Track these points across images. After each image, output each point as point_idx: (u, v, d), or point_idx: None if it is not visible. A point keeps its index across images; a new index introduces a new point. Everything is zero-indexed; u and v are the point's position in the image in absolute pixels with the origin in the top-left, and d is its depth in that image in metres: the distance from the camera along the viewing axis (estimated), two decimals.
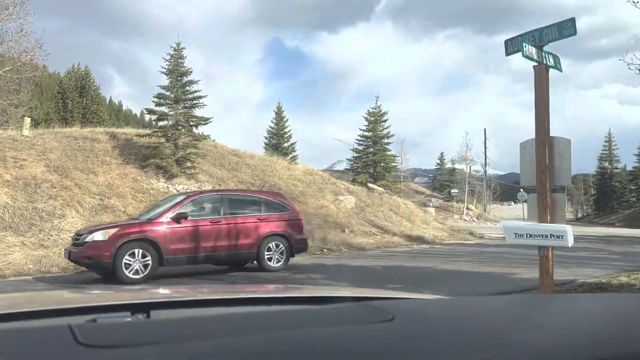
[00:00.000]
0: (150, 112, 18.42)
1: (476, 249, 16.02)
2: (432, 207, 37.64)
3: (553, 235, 4.52)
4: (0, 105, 13.81)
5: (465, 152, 43.84)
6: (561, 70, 5.20)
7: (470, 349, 0.81)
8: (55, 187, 15.03)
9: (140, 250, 9.43)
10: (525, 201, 41.86)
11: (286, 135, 33.38)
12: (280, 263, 10.68)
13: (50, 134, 18.74)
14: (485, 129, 47.85)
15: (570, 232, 4.51)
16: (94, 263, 9.55)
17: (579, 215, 60.82)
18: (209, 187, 18.00)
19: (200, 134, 19.08)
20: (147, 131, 19.87)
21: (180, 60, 18.69)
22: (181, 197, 10.79)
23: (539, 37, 4.94)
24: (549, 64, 5.00)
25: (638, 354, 0.79)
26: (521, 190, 42.26)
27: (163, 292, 2.09)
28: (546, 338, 0.88)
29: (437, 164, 51.40)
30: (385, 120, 31.80)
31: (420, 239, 18.97)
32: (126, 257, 9.36)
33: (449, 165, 49.73)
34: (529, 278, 9.35)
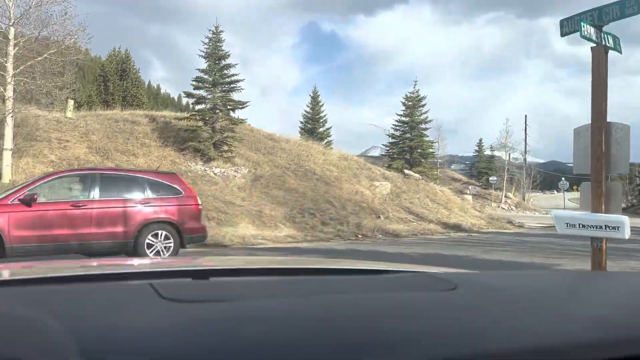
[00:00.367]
0: (189, 95, 18.60)
1: (516, 238, 15.63)
2: (469, 194, 36.96)
3: (608, 226, 4.27)
4: (45, 88, 14.10)
5: (505, 138, 42.72)
6: (621, 52, 4.90)
7: (533, 320, 0.82)
8: None
9: None
10: (566, 190, 40.68)
11: (322, 120, 33.21)
12: (166, 256, 8.88)
13: (92, 116, 19.18)
14: (526, 116, 46.55)
15: (627, 223, 4.26)
16: None
17: (623, 205, 58.68)
18: (244, 170, 18.13)
19: (237, 117, 19.15)
20: (186, 114, 20.10)
21: (218, 44, 18.75)
22: (40, 176, 9.38)
23: (599, 17, 4.66)
24: (608, 45, 4.71)
25: None
26: (562, 179, 41.01)
27: (220, 261, 2.20)
28: (604, 311, 0.89)
29: (476, 150, 50.23)
30: (423, 105, 31.22)
31: (457, 227, 18.65)
32: None
33: (487, 152, 48.58)
34: (572, 269, 9.06)
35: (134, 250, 8.75)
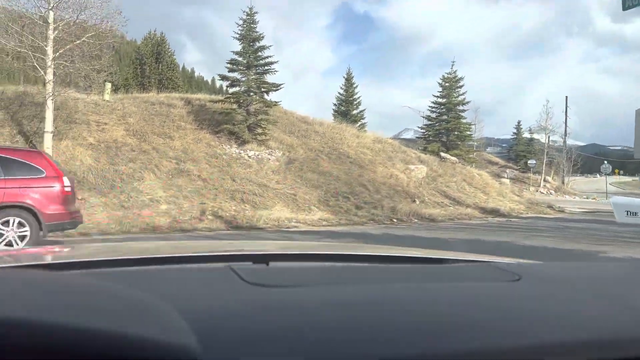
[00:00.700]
0: (223, 78, 18.57)
1: (557, 224, 15.13)
2: (507, 178, 36.08)
3: None
4: (84, 71, 14.29)
5: (545, 121, 41.36)
6: None
7: (599, 312, 0.81)
8: (134, 151, 15.58)
9: None
10: (608, 174, 39.23)
11: (355, 102, 32.74)
12: (20, 246, 7.56)
13: (129, 99, 19.40)
14: (566, 97, 44.95)
15: None
16: None
17: None
18: (278, 153, 18.07)
19: (270, 100, 19.06)
20: (220, 97, 20.11)
21: (252, 26, 18.60)
22: None
23: None
24: None
25: None
26: (605, 162, 39.57)
27: (278, 246, 2.31)
28: None
29: (514, 133, 48.78)
30: (460, 86, 30.32)
31: (495, 212, 18.20)
32: None
33: (526, 134, 47.17)
34: (621, 257, 8.66)
35: None
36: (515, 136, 49.39)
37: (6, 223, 7.63)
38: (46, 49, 13.60)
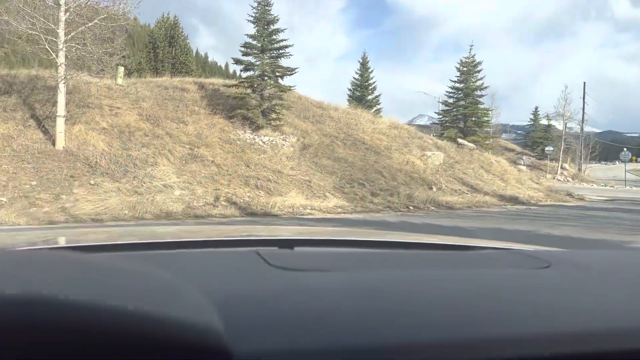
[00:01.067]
0: (237, 61, 18.26)
1: (578, 212, 14.72)
2: (523, 165, 35.51)
3: None
4: (96, 54, 14.06)
5: (563, 107, 40.52)
6: None
7: (632, 300, 0.81)
8: (147, 136, 15.40)
9: None
10: (629, 161, 38.52)
11: (370, 87, 32.19)
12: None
13: (142, 83, 19.20)
14: (584, 83, 44.01)
15: None
16: None
17: None
18: (293, 139, 17.79)
19: (285, 85, 18.72)
20: (234, 82, 19.83)
21: (267, 8, 18.22)
22: None
23: None
24: None
25: None
26: (624, 149, 38.81)
27: (302, 231, 2.32)
28: None
29: (531, 119, 48.00)
30: (478, 71, 29.59)
31: (514, 199, 17.80)
32: None
33: (543, 121, 46.33)
34: None
35: None
36: (532, 122, 48.59)
37: None
38: (58, 31, 13.39)
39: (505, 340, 0.64)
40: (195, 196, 13.19)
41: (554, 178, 36.67)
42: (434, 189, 17.11)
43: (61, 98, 13.68)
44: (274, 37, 18.21)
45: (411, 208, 14.80)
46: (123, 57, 17.87)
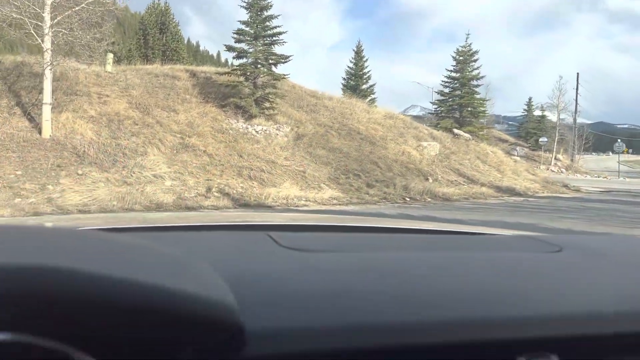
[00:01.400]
0: (230, 48, 17.80)
1: (577, 204, 14.50)
2: (517, 156, 35.32)
3: None
4: (83, 39, 13.58)
5: (557, 98, 40.38)
6: None
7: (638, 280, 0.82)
8: (137, 124, 14.97)
9: None
10: (622, 152, 38.48)
11: (365, 77, 31.76)
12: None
13: (132, 71, 18.70)
14: (578, 74, 43.91)
15: None
16: None
17: None
18: (287, 129, 17.42)
19: (278, 73, 18.28)
20: (226, 69, 19.39)
21: None
22: None
23: None
24: None
25: None
26: (618, 140, 38.76)
27: (310, 218, 2.34)
28: None
29: (525, 110, 47.85)
30: (475, 60, 29.19)
31: (510, 191, 17.57)
32: None
33: (537, 112, 46.19)
34: None
35: None
36: (526, 113, 48.45)
37: None
38: (43, 15, 12.89)
39: (517, 321, 0.64)
40: (187, 187, 12.82)
41: (548, 169, 36.58)
42: (430, 180, 16.84)
43: (47, 85, 13.21)
44: (268, 23, 17.76)
45: (407, 199, 14.52)
46: (112, 43, 17.39)
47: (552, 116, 44.74)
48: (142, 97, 16.51)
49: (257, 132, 16.66)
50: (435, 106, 30.38)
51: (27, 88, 14.91)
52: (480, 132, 27.04)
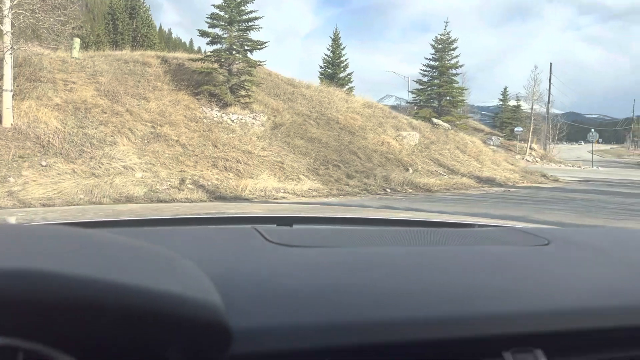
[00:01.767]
0: (203, 34, 17.07)
1: (559, 195, 14.35)
2: (493, 145, 35.38)
3: None
4: (47, 22, 12.74)
5: (533, 87, 40.58)
6: None
7: (632, 278, 0.81)
8: (106, 113, 14.23)
9: None
10: (594, 142, 38.97)
11: (343, 65, 31.22)
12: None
13: (100, 57, 17.83)
14: (551, 64, 44.30)
15: None
16: None
17: None
18: (263, 117, 16.85)
19: (254, 60, 17.61)
20: (200, 56, 18.64)
21: None
22: None
23: None
24: None
25: None
26: (592, 130, 39.19)
27: (300, 209, 2.36)
28: None
29: (500, 99, 48.05)
30: (454, 49, 28.87)
31: (491, 181, 17.40)
32: None
33: (512, 102, 46.43)
34: None
35: None
36: (501, 103, 48.68)
37: None
38: None
39: (503, 316, 0.63)
40: (159, 179, 12.21)
41: (523, 158, 36.78)
42: (410, 171, 16.53)
43: (8, 71, 12.38)
44: (243, 8, 17.07)
45: (388, 190, 14.17)
46: (79, 27, 16.50)
47: (526, 106, 45.06)
48: (110, 84, 15.72)
49: (232, 121, 16.05)
50: (414, 95, 30.00)
51: None
52: (458, 122, 26.82)
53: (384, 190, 14.20)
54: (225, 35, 16.89)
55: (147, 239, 0.83)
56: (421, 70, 29.53)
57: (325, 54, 31.84)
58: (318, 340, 0.57)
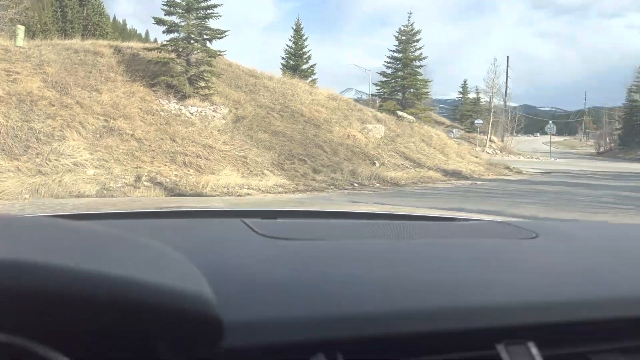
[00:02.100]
0: (159, 21, 16.17)
1: (527, 188, 14.24)
2: (454, 138, 35.60)
3: None
4: None
5: (492, 80, 41.12)
6: None
7: (619, 271, 0.81)
8: (54, 105, 13.22)
9: None
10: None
11: (305, 56, 30.59)
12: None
13: (47, 46, 16.66)
14: (508, 57, 45.13)
15: None
16: None
17: (601, 149, 58.52)
18: (224, 110, 16.12)
19: (214, 49, 16.80)
20: (156, 45, 17.70)
21: None
22: None
23: None
24: None
25: None
26: (550, 122, 40.00)
27: (287, 203, 2.52)
28: None
29: (460, 92, 48.60)
30: (417, 40, 28.64)
31: (457, 174, 17.25)
32: None
33: (471, 95, 47.05)
34: None
35: None
36: (461, 96, 49.23)
37: None
38: None
39: (495, 308, 0.63)
40: (112, 176, 11.39)
41: (483, 151, 37.21)
42: (377, 164, 16.17)
43: None
44: None
45: (356, 185, 13.75)
46: (23, 13, 15.34)
47: (485, 99, 45.72)
48: (59, 75, 14.65)
49: (191, 113, 15.27)
50: (378, 87, 29.65)
51: None
52: (422, 115, 26.69)
53: (352, 185, 13.78)
54: (182, 24, 16.04)
55: (134, 232, 0.81)
56: (385, 62, 29.25)
57: (288, 45, 31.14)
58: (311, 333, 0.56)
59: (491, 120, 40.80)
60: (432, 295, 0.65)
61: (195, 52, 16.20)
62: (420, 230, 1.09)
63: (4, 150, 11.30)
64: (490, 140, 40.90)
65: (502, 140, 45.32)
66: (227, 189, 11.76)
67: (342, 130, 17.85)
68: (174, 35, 16.24)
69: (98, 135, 12.80)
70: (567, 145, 77.56)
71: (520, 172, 20.10)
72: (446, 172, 17.21)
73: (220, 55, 17.20)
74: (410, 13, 29.03)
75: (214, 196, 11.16)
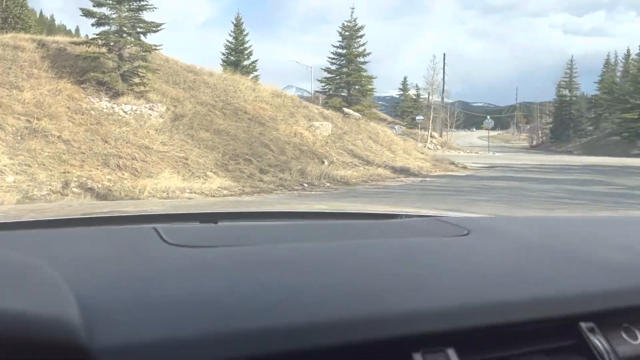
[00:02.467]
0: (87, 13, 14.91)
1: (477, 184, 14.15)
2: (397, 134, 35.78)
3: None
4: None
5: (432, 77, 41.77)
6: None
7: (549, 268, 0.79)
8: None
9: None
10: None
11: (246, 52, 29.63)
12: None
13: None
14: (444, 54, 45.95)
15: None
16: None
17: (534, 143, 61.03)
18: (162, 108, 15.10)
19: (149, 44, 15.70)
20: (84, 39, 16.37)
21: None
22: None
23: None
24: None
25: None
26: (488, 117, 41.10)
27: (229, 205, 2.30)
28: (622, 256, 0.85)
29: (400, 89, 49.14)
30: (361, 36, 28.33)
31: (405, 171, 17.04)
32: None
33: (411, 91, 47.71)
34: (591, 215, 7.52)
35: None
36: (401, 93, 49.78)
37: None
38: None
39: (412, 315, 0.61)
40: (37, 183, 10.25)
41: (425, 146, 37.66)
42: (326, 163, 15.67)
43: None
44: None
45: (305, 185, 13.18)
46: None
47: (425, 95, 46.44)
48: None
49: (125, 112, 14.17)
50: (323, 84, 29.18)
51: None
52: (368, 111, 26.45)
53: (302, 185, 13.19)
54: (114, 16, 14.86)
55: (13, 246, 0.75)
56: (329, 58, 28.78)
57: (228, 41, 30.06)
58: (201, 354, 0.50)
59: (431, 117, 41.38)
60: (345, 303, 0.60)
61: (128, 46, 15.08)
62: (352, 230, 1.03)
63: None
64: (431, 136, 41.48)
65: (442, 136, 46.19)
66: (167, 193, 10.88)
67: (288, 128, 17.22)
68: (105, 28, 15.04)
69: (19, 137, 11.53)
70: (502, 139, 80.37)
71: (465, 168, 20.20)
72: (395, 169, 16.95)
73: (156, 49, 16.13)
74: (353, 8, 28.74)
75: (164, 198, 10.27)
